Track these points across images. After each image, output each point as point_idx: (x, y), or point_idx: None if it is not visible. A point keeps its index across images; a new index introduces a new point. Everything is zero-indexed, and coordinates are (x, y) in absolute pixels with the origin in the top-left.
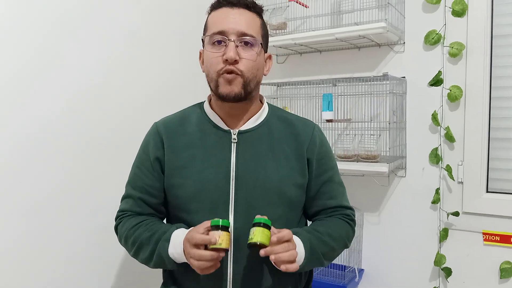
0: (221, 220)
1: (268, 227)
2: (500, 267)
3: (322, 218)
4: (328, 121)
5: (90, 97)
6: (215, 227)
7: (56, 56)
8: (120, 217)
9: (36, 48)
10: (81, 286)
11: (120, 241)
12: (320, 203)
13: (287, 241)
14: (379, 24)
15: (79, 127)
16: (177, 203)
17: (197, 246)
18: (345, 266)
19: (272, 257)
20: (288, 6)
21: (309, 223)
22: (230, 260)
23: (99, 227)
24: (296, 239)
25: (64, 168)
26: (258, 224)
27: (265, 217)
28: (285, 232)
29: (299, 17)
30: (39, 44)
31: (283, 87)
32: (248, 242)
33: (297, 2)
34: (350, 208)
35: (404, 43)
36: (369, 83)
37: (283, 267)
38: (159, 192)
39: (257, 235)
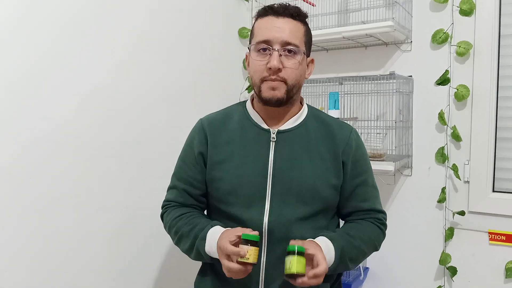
0: (251, 234)
1: (303, 254)
2: (505, 267)
3: (354, 220)
4: None
5: (100, 98)
6: (245, 241)
7: (67, 58)
8: (166, 206)
9: (46, 50)
10: (94, 282)
11: (165, 228)
12: (353, 204)
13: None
14: (386, 23)
15: (90, 127)
16: (216, 195)
17: (227, 257)
18: None
19: (299, 282)
20: (295, 4)
21: (341, 222)
22: (264, 252)
23: (111, 225)
24: (329, 245)
25: (75, 168)
26: (292, 253)
27: (299, 244)
28: (322, 268)
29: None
30: (49, 46)
31: None
32: (286, 272)
33: (304, 1)
34: (383, 212)
35: (411, 42)
36: (376, 81)
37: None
38: (201, 184)
39: (294, 265)
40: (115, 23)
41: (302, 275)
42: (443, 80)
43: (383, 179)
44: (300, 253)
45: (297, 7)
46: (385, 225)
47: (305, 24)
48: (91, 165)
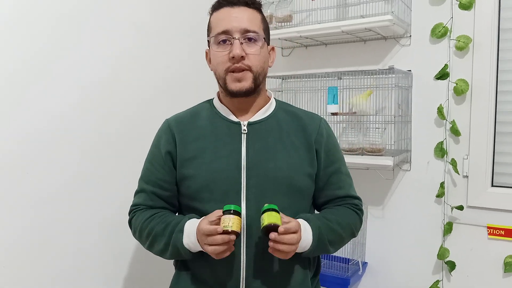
0: (232, 205)
1: (276, 211)
2: (504, 261)
3: (331, 207)
4: (333, 114)
5: (99, 91)
6: (227, 212)
7: (64, 52)
8: (134, 211)
9: (44, 43)
10: (90, 278)
11: (134, 234)
12: (328, 193)
13: (294, 232)
14: (385, 17)
15: (88, 121)
16: (189, 193)
17: (209, 235)
18: (348, 259)
19: (270, 244)
20: None
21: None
22: (243, 246)
23: (108, 220)
24: (305, 225)
25: (73, 162)
26: (266, 211)
27: (272, 204)
28: (293, 224)
29: (304, 9)
30: (47, 38)
31: (288, 80)
32: (261, 227)
33: None
34: (358, 198)
35: (410, 36)
36: (375, 76)
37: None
38: (171, 185)
39: (266, 218)
40: (113, 16)
41: (277, 226)
42: (442, 75)
43: (382, 173)
44: (274, 210)
45: None
46: (361, 211)
47: (261, 12)
48: (88, 159)
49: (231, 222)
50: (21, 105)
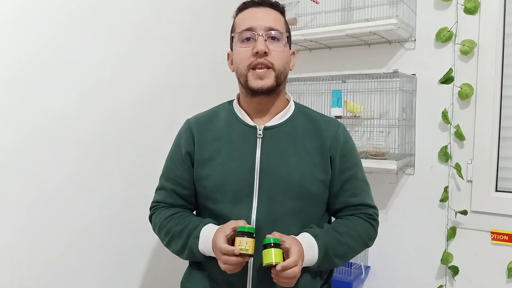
0: (247, 227)
1: (278, 245)
2: (508, 267)
3: (343, 217)
4: (337, 117)
5: (99, 91)
6: (241, 234)
7: (65, 52)
8: (154, 208)
9: (44, 43)
10: (90, 277)
11: (154, 230)
12: (342, 200)
13: (294, 265)
14: (390, 21)
15: (88, 122)
16: (204, 194)
17: (225, 254)
18: (351, 263)
19: (272, 276)
20: (299, 1)
21: (332, 219)
22: None
23: (107, 219)
24: (312, 242)
25: (73, 161)
26: (268, 245)
27: (274, 236)
28: (291, 260)
29: (309, 13)
30: (47, 38)
31: (292, 83)
32: (263, 265)
33: None
34: (373, 207)
35: (415, 40)
36: (379, 80)
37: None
38: (190, 184)
39: (264, 258)
40: (114, 16)
41: (274, 266)
42: (447, 79)
43: (385, 177)
44: (276, 245)
45: None
46: (376, 221)
47: (284, 16)
48: (88, 158)
49: (247, 246)
50: (21, 105)
